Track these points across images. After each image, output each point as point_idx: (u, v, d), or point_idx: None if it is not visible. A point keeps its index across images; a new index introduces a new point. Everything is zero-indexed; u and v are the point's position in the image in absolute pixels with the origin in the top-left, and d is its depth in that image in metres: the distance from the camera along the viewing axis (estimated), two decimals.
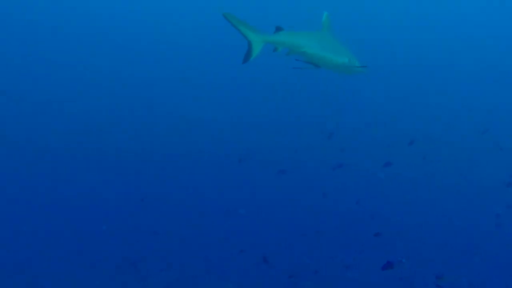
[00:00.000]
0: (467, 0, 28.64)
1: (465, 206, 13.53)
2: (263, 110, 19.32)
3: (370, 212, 12.25)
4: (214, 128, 17.99)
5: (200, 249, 11.22)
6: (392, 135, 16.11)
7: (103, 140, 16.82)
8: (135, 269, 10.38)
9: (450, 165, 15.39)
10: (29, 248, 11.00)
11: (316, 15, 6.99)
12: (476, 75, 22.64)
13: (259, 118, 18.64)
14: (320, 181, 13.79)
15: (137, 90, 21.44)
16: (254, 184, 14.09)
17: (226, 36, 9.19)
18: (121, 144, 16.70)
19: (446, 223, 12.76)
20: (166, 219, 12.32)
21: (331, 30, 6.40)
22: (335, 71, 6.41)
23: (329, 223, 12.07)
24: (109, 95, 20.24)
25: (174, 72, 23.04)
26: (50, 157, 15.62)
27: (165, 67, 23.50)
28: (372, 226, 10.89)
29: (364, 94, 19.21)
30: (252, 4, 26.32)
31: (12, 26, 25.20)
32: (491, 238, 12.02)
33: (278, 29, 5.98)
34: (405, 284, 9.96)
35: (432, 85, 21.75)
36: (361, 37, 15.18)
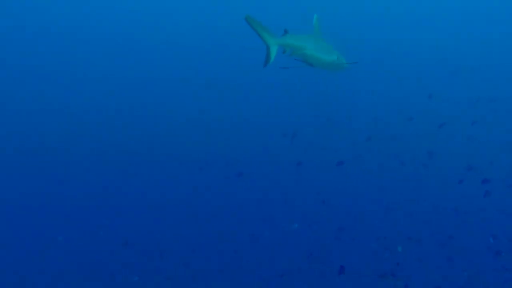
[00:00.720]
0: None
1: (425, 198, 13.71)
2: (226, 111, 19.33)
3: (335, 209, 12.33)
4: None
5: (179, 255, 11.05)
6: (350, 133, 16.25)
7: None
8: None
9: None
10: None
11: (308, 15, 7.50)
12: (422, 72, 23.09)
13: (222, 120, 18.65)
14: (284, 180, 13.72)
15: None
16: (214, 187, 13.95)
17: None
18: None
19: (402, 214, 12.84)
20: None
21: (320, 31, 6.93)
22: (324, 68, 6.98)
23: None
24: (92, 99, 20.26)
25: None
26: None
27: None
28: (336, 221, 11.15)
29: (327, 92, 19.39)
30: (248, 4, 26.60)
31: (11, 29, 25.03)
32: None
33: (285, 32, 6.39)
34: None
35: (392, 83, 22.10)
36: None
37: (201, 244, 11.48)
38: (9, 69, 21.36)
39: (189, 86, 21.64)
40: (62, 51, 23.69)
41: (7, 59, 22.13)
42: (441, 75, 22.30)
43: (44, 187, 14.19)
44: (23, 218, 12.54)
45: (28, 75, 21.35)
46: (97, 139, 17.59)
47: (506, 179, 13.39)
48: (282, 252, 11.13)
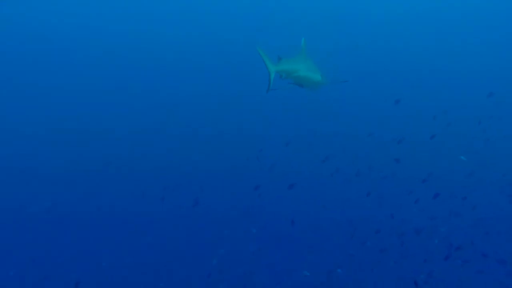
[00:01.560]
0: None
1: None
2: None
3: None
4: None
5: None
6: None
7: None
8: None
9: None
10: None
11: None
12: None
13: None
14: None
15: None
16: None
17: None
18: None
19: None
20: None
21: (307, 52, 7.46)
22: (310, 87, 7.48)
23: None
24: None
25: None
26: None
27: None
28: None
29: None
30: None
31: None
32: None
33: (279, 58, 7.03)
34: None
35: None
36: None
37: None
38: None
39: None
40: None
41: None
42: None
43: None
44: None
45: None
46: (101, 150, 17.56)
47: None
48: None
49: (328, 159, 12.87)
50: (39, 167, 16.63)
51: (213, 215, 13.75)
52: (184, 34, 28.05)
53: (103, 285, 11.02)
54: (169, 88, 23.16)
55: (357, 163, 15.13)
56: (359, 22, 28.36)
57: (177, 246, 12.53)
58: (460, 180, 15.33)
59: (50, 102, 21.13)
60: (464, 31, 27.71)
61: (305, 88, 7.45)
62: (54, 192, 15.07)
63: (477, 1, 27.60)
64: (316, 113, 19.13)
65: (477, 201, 13.60)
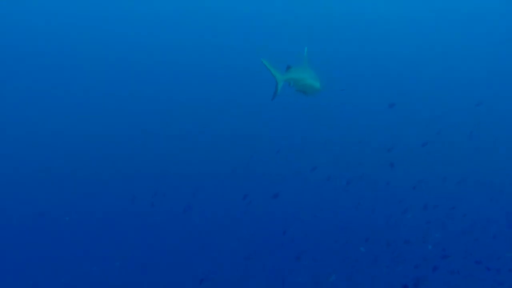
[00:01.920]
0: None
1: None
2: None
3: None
4: None
5: None
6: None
7: None
8: None
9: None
10: None
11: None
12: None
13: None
14: None
15: None
16: None
17: None
18: None
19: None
20: None
21: (310, 61, 7.79)
22: (310, 94, 7.78)
23: None
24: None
25: None
26: None
27: None
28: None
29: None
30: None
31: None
32: None
33: (288, 67, 7.18)
34: None
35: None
36: None
37: None
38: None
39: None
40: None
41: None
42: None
43: None
44: None
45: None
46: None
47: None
48: None
49: (317, 168, 12.83)
50: (29, 169, 16.47)
51: (205, 220, 13.64)
52: (181, 38, 28.08)
53: None
54: (164, 92, 23.05)
55: (348, 171, 15.12)
56: (350, 29, 28.63)
57: (168, 251, 12.43)
58: (451, 187, 15.40)
59: (43, 105, 21.02)
60: (456, 37, 28.04)
61: (308, 95, 7.73)
62: (44, 195, 14.90)
63: (470, 8, 28.02)
64: (308, 119, 19.16)
65: (467, 208, 13.66)
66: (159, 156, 17.71)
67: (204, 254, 12.18)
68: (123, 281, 11.17)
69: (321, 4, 28.93)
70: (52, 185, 15.68)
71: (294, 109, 17.97)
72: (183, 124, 19.85)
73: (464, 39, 27.92)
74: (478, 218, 13.54)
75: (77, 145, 18.30)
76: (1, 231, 13.02)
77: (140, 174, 16.60)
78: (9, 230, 13.09)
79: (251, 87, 21.85)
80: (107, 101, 22.15)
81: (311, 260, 11.71)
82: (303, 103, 17.27)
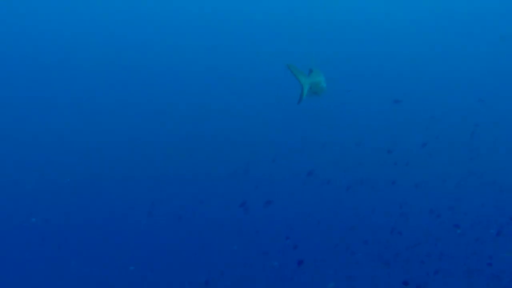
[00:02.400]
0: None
1: None
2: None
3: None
4: None
5: None
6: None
7: None
8: None
9: None
10: None
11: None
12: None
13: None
14: None
15: None
16: None
17: None
18: None
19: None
20: None
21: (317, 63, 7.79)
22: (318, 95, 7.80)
23: None
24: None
25: None
26: None
27: None
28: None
29: None
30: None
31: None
32: None
33: (311, 71, 7.36)
34: None
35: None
36: None
37: None
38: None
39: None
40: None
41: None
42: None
43: None
44: None
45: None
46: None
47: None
48: None
49: (316, 171, 12.78)
50: (20, 176, 16.54)
51: (205, 225, 13.62)
52: (178, 40, 28.10)
53: None
54: (158, 97, 22.98)
55: (347, 175, 15.07)
56: (348, 29, 28.61)
57: (164, 260, 12.37)
58: (451, 187, 15.34)
59: (39, 109, 21.06)
60: (455, 37, 27.94)
61: (318, 95, 7.78)
62: (39, 203, 14.89)
63: (469, 8, 27.97)
64: (305, 121, 19.08)
65: (468, 208, 13.61)
66: (154, 160, 17.66)
67: (204, 259, 12.12)
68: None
69: (318, 4, 29.06)
70: (49, 188, 15.68)
71: (291, 111, 17.89)
72: (178, 128, 19.74)
73: (464, 39, 27.84)
74: (479, 218, 13.49)
75: (75, 148, 18.23)
76: None
77: (138, 178, 16.58)
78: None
79: (245, 89, 21.93)
80: (103, 105, 22.06)
81: (313, 265, 11.66)
82: (303, 105, 17.27)
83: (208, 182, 15.84)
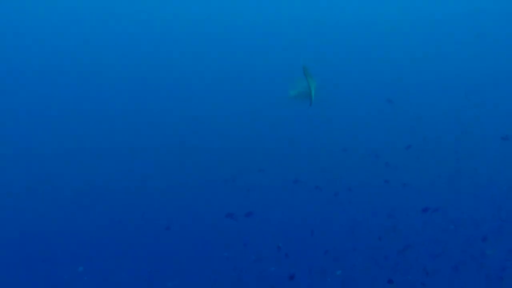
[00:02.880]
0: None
1: None
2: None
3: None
4: None
5: None
6: None
7: None
8: None
9: None
10: None
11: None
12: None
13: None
14: None
15: None
16: None
17: None
18: None
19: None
20: None
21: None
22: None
23: None
24: None
25: None
26: None
27: None
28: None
29: None
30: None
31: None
32: None
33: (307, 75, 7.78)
34: None
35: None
36: None
37: None
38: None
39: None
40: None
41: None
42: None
43: None
44: None
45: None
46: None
47: None
48: None
49: (299, 180, 12.68)
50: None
51: (195, 235, 13.46)
52: (161, 48, 28.01)
53: None
54: (144, 106, 22.77)
55: (335, 181, 14.96)
56: (336, 33, 28.69)
57: (154, 269, 12.25)
58: (440, 188, 15.29)
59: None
60: (445, 41, 28.12)
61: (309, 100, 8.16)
62: (26, 212, 14.69)
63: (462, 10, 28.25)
64: (291, 128, 19.00)
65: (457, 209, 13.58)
66: (141, 169, 17.44)
67: (195, 270, 11.96)
68: None
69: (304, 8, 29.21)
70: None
71: (278, 118, 17.86)
72: (166, 137, 19.56)
73: (448, 40, 28.03)
74: (468, 217, 13.46)
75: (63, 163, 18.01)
76: None
77: (126, 188, 16.39)
78: None
79: (232, 97, 21.80)
80: (87, 113, 21.83)
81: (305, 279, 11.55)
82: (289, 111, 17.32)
83: (196, 191, 15.66)
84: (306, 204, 14.09)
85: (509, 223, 12.63)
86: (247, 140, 18.54)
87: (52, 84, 23.94)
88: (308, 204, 14.07)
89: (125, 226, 14.04)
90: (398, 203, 14.13)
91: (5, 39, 25.93)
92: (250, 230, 13.26)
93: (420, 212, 13.16)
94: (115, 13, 29.37)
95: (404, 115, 19.68)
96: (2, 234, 13.52)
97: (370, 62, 26.22)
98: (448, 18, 28.61)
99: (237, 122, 19.30)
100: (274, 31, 28.55)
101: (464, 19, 28.07)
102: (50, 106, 22.11)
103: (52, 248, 13.10)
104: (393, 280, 10.89)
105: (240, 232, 13.10)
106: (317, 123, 19.09)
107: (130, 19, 29.54)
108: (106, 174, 17.48)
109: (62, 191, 16.12)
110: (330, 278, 11.47)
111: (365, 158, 16.10)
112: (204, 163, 17.30)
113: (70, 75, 24.90)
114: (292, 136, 18.36)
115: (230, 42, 27.70)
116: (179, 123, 20.36)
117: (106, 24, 28.76)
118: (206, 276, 11.76)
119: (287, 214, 13.83)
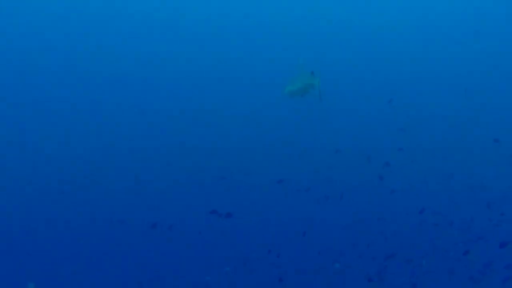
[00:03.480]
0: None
1: None
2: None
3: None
4: None
5: None
6: None
7: None
8: None
9: None
10: None
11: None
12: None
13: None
14: None
15: None
16: None
17: None
18: None
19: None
20: None
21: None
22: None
23: None
24: None
25: None
26: None
27: None
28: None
29: None
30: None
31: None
32: None
33: (312, 73, 8.23)
34: None
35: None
36: None
37: None
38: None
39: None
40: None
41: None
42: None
43: None
44: None
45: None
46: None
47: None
48: None
49: (287, 180, 12.65)
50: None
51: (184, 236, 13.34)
52: (151, 49, 27.96)
53: None
54: (134, 106, 22.62)
55: (327, 184, 14.88)
56: (331, 34, 28.67)
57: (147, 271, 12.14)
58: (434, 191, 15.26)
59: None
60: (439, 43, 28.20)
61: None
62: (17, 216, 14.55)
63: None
64: (283, 128, 18.92)
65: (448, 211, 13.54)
66: (130, 169, 17.32)
67: (184, 273, 11.83)
68: None
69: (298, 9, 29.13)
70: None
71: (270, 118, 17.81)
72: (155, 136, 19.44)
73: (441, 40, 28.08)
74: (461, 220, 13.43)
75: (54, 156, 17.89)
76: None
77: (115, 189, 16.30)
78: None
79: (222, 97, 21.71)
80: (79, 113, 21.74)
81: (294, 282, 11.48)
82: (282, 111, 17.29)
83: (184, 190, 15.59)
84: (296, 206, 14.06)
85: (501, 225, 12.60)
86: (238, 139, 18.51)
87: (52, 84, 23.85)
88: (298, 205, 14.04)
89: (113, 225, 14.05)
90: (390, 205, 14.10)
91: (5, 39, 25.82)
92: (239, 230, 13.24)
93: (413, 214, 13.14)
94: (115, 13, 29.31)
95: (398, 117, 19.62)
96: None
97: (365, 62, 26.25)
98: (443, 20, 28.69)
99: (230, 122, 19.21)
100: (272, 31, 28.50)
101: (463, 19, 28.15)
102: (47, 105, 22.06)
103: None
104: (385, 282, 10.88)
105: (229, 232, 13.07)
106: (310, 124, 19.07)
107: (130, 19, 29.48)
108: (93, 173, 17.46)
109: (49, 187, 16.05)
110: (320, 280, 11.42)
111: (358, 160, 16.03)
112: (198, 162, 17.29)
113: (69, 75, 24.84)
114: (285, 136, 18.34)
115: (222, 45, 27.67)
116: (167, 123, 20.28)
117: (106, 24, 28.70)
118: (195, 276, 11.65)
119: (273, 216, 13.82)
